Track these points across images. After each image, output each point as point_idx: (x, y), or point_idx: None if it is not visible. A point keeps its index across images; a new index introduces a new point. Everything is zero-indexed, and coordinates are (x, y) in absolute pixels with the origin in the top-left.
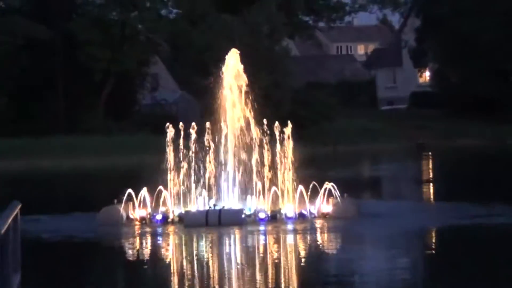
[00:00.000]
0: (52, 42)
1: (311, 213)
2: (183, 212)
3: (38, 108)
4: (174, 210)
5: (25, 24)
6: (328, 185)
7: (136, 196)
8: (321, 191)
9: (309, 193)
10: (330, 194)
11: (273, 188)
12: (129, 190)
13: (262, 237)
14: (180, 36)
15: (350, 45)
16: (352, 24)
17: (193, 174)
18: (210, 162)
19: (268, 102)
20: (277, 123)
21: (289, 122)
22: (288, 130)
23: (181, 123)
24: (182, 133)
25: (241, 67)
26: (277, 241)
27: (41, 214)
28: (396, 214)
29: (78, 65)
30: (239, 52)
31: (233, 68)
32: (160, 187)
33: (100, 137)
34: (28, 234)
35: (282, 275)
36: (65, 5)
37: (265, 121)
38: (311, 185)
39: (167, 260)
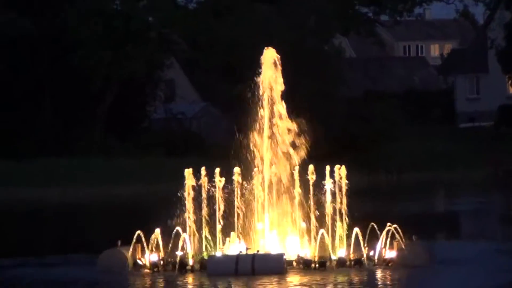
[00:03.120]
0: (37, 40)
1: (370, 259)
2: (205, 257)
3: (20, 123)
4: (194, 254)
5: (1, 18)
6: (391, 227)
7: (146, 236)
8: (383, 232)
9: (367, 235)
10: (394, 235)
11: (321, 230)
12: (138, 231)
13: None
14: (202, 32)
15: (421, 45)
16: (424, 18)
17: (218, 208)
18: (239, 197)
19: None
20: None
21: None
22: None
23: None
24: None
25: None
26: None
27: (24, 257)
28: (480, 260)
29: (70, 69)
30: (276, 51)
31: (269, 73)
32: (177, 227)
33: (98, 161)
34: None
35: None
36: None
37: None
38: (370, 225)
39: None
